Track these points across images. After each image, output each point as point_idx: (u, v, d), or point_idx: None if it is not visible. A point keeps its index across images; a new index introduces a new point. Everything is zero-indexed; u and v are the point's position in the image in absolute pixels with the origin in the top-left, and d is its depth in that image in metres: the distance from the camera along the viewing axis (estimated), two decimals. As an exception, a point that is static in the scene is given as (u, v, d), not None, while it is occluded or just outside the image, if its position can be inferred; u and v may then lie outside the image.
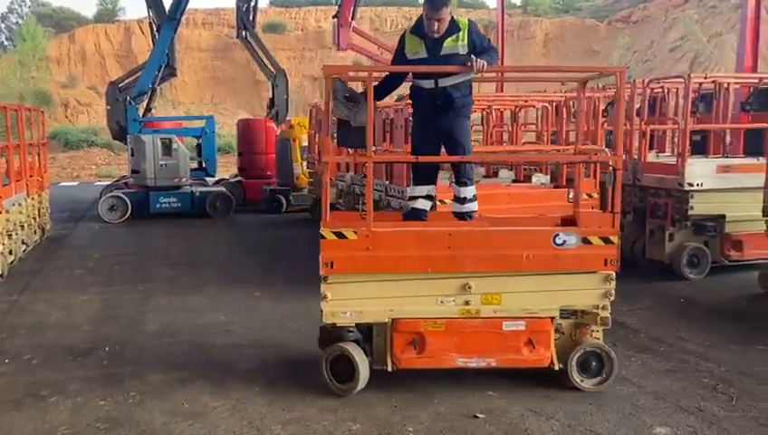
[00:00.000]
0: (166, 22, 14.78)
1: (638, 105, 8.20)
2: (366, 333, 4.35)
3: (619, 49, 36.29)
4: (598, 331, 4.34)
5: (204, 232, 11.68)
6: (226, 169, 21.90)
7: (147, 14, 15.67)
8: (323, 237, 4.09)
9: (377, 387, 4.39)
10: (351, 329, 4.27)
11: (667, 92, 9.74)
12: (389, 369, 4.19)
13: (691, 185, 7.13)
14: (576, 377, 4.27)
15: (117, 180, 16.92)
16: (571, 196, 6.78)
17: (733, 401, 4.16)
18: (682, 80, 8.02)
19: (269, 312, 6.35)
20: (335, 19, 16.05)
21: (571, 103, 9.80)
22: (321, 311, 4.17)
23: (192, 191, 13.34)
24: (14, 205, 8.49)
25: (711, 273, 7.50)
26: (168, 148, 13.02)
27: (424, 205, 4.73)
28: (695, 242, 7.47)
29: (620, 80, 4.24)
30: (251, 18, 16.43)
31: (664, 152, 9.63)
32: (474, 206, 4.78)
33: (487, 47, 4.46)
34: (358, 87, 4.42)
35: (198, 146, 15.43)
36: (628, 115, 8.46)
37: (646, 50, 35.80)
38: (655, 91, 9.30)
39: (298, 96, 38.65)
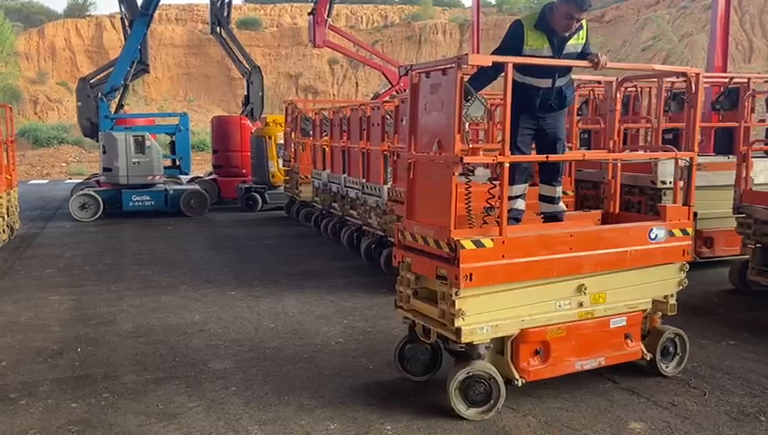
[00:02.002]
0: (138, 17, 14.57)
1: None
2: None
3: (593, 48, 36.70)
4: (660, 318, 4.55)
5: (178, 231, 11.53)
6: (201, 166, 21.69)
7: (118, 9, 15.41)
8: (463, 247, 3.69)
9: (353, 386, 4.38)
10: (488, 345, 3.94)
11: (640, 91, 9.88)
12: (519, 384, 3.95)
13: (664, 183, 7.23)
14: (662, 364, 4.47)
15: (88, 178, 16.64)
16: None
17: (705, 396, 4.23)
18: (655, 79, 8.13)
19: (244, 311, 6.29)
20: (311, 16, 15.97)
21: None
22: (459, 330, 3.74)
23: (166, 189, 13.17)
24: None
25: (683, 269, 7.61)
26: (140, 145, 12.83)
27: (521, 205, 4.57)
28: (667, 239, 7.57)
29: (697, 82, 4.34)
30: (225, 14, 16.28)
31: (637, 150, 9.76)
32: (563, 205, 4.70)
33: (589, 42, 4.43)
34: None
35: (172, 143, 15.24)
36: (602, 113, 8.57)
37: (618, 49, 36.29)
38: (628, 90, 9.42)
39: (273, 93, 38.45)
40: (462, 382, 3.85)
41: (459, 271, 3.69)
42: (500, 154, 3.87)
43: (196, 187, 14.15)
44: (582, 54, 4.39)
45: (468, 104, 3.76)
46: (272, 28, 45.87)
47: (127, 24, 15.04)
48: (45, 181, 23.33)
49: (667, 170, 7.26)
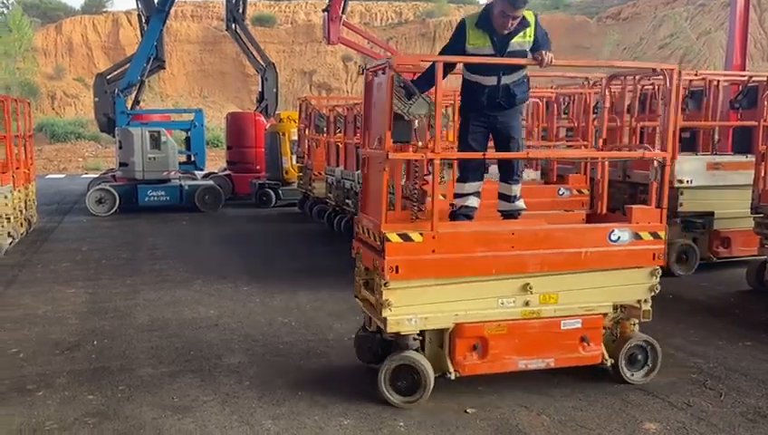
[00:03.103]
0: (155, 14, 14.68)
1: (629, 101, 8.23)
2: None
3: (609, 45, 36.48)
4: (635, 324, 4.41)
5: (192, 226, 11.61)
6: (215, 162, 21.79)
7: (135, 6, 15.53)
8: (388, 240, 3.81)
9: (366, 382, 4.39)
10: (416, 337, 4.00)
11: (657, 89, 9.77)
12: (452, 377, 4.00)
13: (681, 182, 7.17)
14: (626, 371, 4.32)
15: (105, 173, 16.80)
16: (561, 192, 6.85)
17: (721, 397, 4.19)
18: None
19: (258, 306, 6.32)
20: (325, 13, 15.96)
21: (562, 99, 9.82)
22: (386, 320, 3.85)
23: (181, 185, 13.27)
24: (0, 197, 8.40)
25: (699, 269, 7.55)
26: (156, 141, 12.94)
27: (474, 202, 4.56)
28: (683, 239, 7.51)
29: (671, 79, 4.21)
30: (240, 10, 16.34)
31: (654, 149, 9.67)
32: (522, 203, 4.66)
33: (545, 40, 4.32)
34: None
35: (187, 139, 15.35)
36: (617, 111, 8.51)
37: (635, 47, 35.99)
38: (645, 87, 9.33)
39: (287, 90, 38.52)
40: (392, 371, 3.95)
41: (385, 263, 3.80)
42: (431, 151, 3.92)
43: (211, 182, 14.24)
44: (534, 52, 4.28)
45: (411, 102, 3.85)
46: (286, 25, 45.92)
47: (143, 20, 15.17)
48: (62, 176, 23.58)
49: (684, 169, 7.21)
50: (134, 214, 12.62)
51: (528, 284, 4.07)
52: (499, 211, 4.70)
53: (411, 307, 3.91)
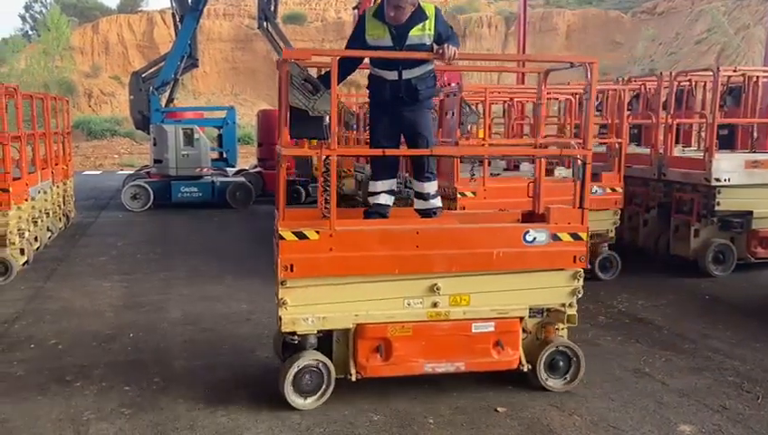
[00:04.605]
0: (188, 13, 14.86)
1: (665, 98, 8.07)
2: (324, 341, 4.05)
3: (644, 41, 35.80)
4: (563, 329, 4.22)
5: (224, 222, 11.76)
6: (246, 159, 22.00)
7: (169, 5, 15.75)
8: (282, 238, 3.74)
9: (395, 379, 4.39)
10: (318, 336, 3.95)
11: (695, 85, 9.57)
12: (353, 378, 3.91)
13: (718, 180, 7.01)
14: (544, 377, 4.15)
15: (139, 170, 17.09)
16: (594, 190, 6.76)
17: (758, 400, 4.10)
18: (710, 73, 7.87)
19: (289, 302, 6.37)
20: (355, 10, 16.00)
21: (595, 96, 9.64)
22: (280, 318, 3.83)
23: (213, 181, 13.45)
24: (39, 192, 8.61)
25: (736, 270, 7.38)
26: (189, 138, 13.14)
27: (386, 200, 4.47)
28: (720, 238, 7.35)
29: (592, 72, 4.01)
30: (272, 9, 16.44)
31: (689, 146, 9.47)
32: (438, 202, 4.52)
33: (451, 34, 4.20)
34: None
35: (219, 136, 15.52)
36: (652, 108, 8.36)
37: (671, 42, 35.26)
38: (681, 83, 9.15)
39: (318, 87, 38.68)
40: (294, 376, 3.87)
41: (279, 261, 3.74)
42: (327, 148, 3.86)
43: (242, 179, 14.38)
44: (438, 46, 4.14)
45: (315, 98, 3.76)
46: (316, 23, 46.14)
47: (177, 19, 15.37)
48: (98, 172, 24.09)
49: (722, 167, 7.05)
50: (167, 210, 12.83)
51: (436, 284, 3.92)
52: (415, 210, 4.58)
53: (308, 306, 3.82)
